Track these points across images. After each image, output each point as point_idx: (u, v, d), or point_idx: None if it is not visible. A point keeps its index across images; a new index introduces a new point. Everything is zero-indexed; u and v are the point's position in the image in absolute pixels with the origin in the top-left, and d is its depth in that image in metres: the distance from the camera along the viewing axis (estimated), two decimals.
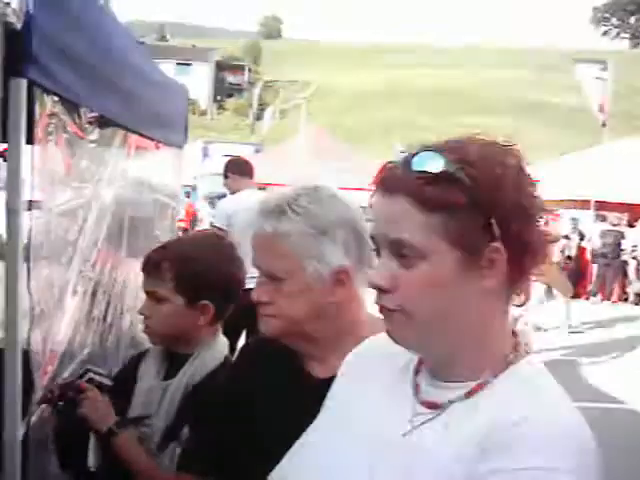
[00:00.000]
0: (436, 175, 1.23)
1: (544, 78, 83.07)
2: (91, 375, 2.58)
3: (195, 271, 2.44)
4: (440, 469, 1.24)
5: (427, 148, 1.28)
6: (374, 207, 1.32)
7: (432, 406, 1.32)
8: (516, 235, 1.25)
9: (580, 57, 37.27)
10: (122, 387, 2.56)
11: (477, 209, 1.23)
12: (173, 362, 2.52)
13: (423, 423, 1.31)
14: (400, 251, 1.27)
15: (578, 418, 1.25)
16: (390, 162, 1.32)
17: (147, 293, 2.52)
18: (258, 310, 1.91)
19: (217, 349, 2.53)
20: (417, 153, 1.27)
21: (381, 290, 1.31)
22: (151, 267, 2.51)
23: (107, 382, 2.59)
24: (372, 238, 1.36)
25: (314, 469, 1.44)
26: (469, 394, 1.30)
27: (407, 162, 1.27)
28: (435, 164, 1.24)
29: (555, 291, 13.48)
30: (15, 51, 2.22)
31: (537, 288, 12.69)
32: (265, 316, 1.90)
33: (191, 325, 2.48)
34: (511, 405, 1.24)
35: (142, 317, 2.54)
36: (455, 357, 1.32)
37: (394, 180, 1.27)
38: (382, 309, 1.33)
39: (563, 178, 17.55)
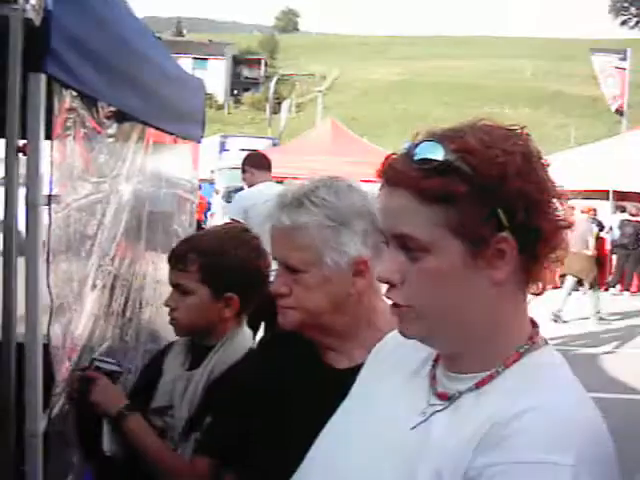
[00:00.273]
0: (435, 165, 1.21)
1: (562, 68, 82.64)
2: (97, 364, 2.60)
3: (220, 263, 2.45)
4: (443, 460, 1.23)
5: (428, 138, 1.26)
6: (379, 201, 1.32)
7: (443, 397, 1.32)
8: (524, 223, 1.23)
9: (598, 46, 36.94)
10: (148, 380, 2.61)
11: (479, 198, 1.21)
12: (198, 353, 2.54)
13: (433, 414, 1.31)
14: (405, 245, 1.27)
15: (588, 411, 1.23)
16: (393, 154, 1.31)
17: (173, 285, 2.54)
18: (277, 303, 1.92)
19: (241, 341, 2.55)
20: (419, 144, 1.26)
21: (390, 284, 1.31)
22: (177, 259, 2.53)
23: (116, 369, 2.61)
24: (381, 232, 1.36)
25: (329, 464, 1.44)
26: (478, 385, 1.29)
27: (408, 153, 1.26)
28: (435, 154, 1.22)
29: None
30: (34, 47, 2.23)
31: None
32: (284, 308, 1.91)
33: (216, 317, 2.51)
34: (517, 396, 1.22)
35: (165, 309, 2.56)
36: (465, 349, 1.31)
37: (394, 173, 1.27)
38: (392, 303, 1.33)
39: (581, 168, 17.45)
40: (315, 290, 1.86)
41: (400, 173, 1.25)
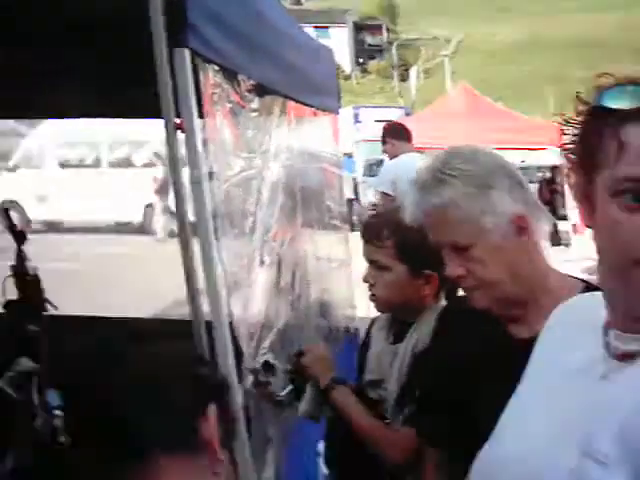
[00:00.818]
0: None
1: None
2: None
3: (416, 240, 2.37)
4: (627, 419, 1.15)
5: None
6: None
7: (627, 356, 1.23)
8: None
9: None
10: (361, 352, 2.70)
11: None
12: (400, 327, 2.55)
13: (615, 375, 1.23)
14: None
15: None
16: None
17: (370, 261, 2.52)
18: (461, 287, 1.94)
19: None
20: None
21: None
22: (371, 235, 2.51)
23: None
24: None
25: (520, 431, 1.39)
26: None
27: None
28: None
29: None
30: (174, 22, 2.22)
31: None
32: (467, 289, 1.91)
33: (416, 294, 2.49)
34: None
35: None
36: None
37: None
38: None
39: None
40: (489, 261, 1.85)
41: None
